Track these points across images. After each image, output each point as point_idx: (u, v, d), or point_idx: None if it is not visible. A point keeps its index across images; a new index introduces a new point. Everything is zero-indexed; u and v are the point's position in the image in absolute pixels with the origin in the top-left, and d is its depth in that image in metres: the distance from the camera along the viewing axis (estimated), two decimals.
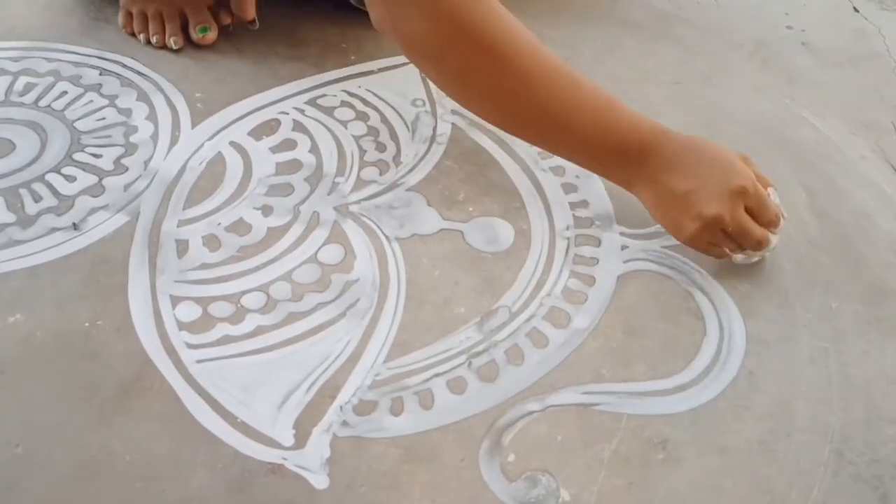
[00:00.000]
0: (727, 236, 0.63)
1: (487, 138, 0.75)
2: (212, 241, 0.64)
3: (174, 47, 0.82)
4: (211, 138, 0.73)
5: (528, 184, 0.71)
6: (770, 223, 0.63)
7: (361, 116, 0.76)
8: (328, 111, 0.77)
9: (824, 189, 0.75)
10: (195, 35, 0.82)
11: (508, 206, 0.69)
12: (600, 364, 0.58)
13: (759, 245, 0.63)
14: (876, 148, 0.81)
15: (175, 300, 0.59)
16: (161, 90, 0.77)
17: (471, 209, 0.68)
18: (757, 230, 0.62)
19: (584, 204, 0.69)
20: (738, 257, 0.64)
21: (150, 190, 0.67)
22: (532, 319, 0.60)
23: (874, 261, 0.68)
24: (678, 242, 0.65)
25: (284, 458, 0.51)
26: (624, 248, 0.66)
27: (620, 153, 0.63)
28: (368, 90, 0.79)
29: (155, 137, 0.72)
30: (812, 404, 0.57)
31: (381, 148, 0.73)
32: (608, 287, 0.63)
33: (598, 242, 0.66)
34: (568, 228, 0.67)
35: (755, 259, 0.65)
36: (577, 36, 0.92)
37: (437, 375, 0.56)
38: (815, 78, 0.91)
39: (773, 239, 0.64)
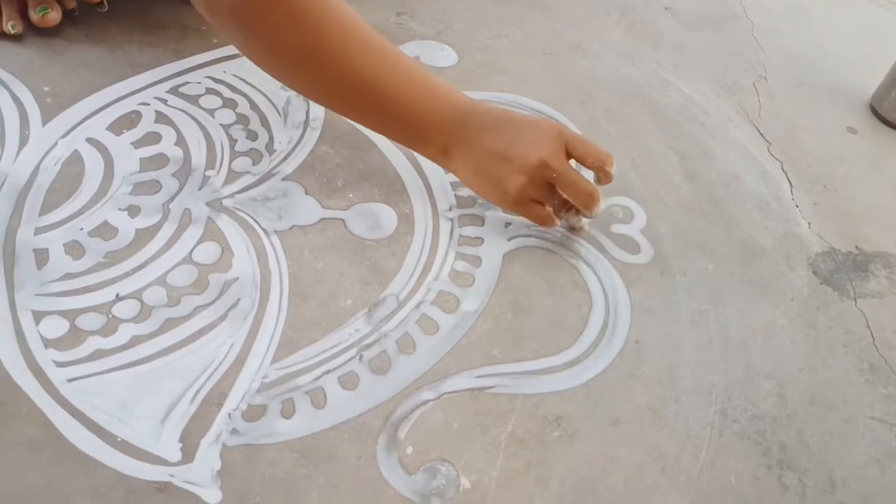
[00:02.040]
0: (553, 192, 0.63)
1: None
2: (75, 249, 0.59)
3: (12, 31, 0.74)
4: (65, 136, 0.67)
5: (408, 165, 0.70)
6: (597, 167, 0.62)
7: (229, 104, 0.73)
8: (193, 100, 0.72)
9: (694, 152, 0.77)
10: (35, 16, 0.75)
11: (389, 190, 0.67)
12: (491, 346, 0.58)
13: (590, 199, 0.62)
14: (740, 109, 0.84)
15: (38, 315, 0.55)
16: (4, 85, 0.71)
17: (351, 196, 0.66)
18: (586, 179, 0.62)
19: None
20: (570, 220, 0.65)
21: (1, 197, 0.62)
22: (421, 306, 0.59)
23: (744, 220, 0.70)
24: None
25: (172, 475, 0.48)
26: (508, 224, 0.66)
27: (438, 120, 0.62)
28: (235, 75, 0.76)
29: (1, 138, 0.66)
30: (695, 367, 0.59)
31: (252, 136, 0.70)
32: (495, 267, 0.63)
33: (482, 221, 0.66)
34: (451, 209, 0.66)
35: (581, 226, 0.66)
36: (448, 9, 0.91)
37: (327, 372, 0.54)
38: (679, 41, 0.93)
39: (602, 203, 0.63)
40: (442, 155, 0.64)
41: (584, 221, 0.66)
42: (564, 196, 0.63)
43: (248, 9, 0.59)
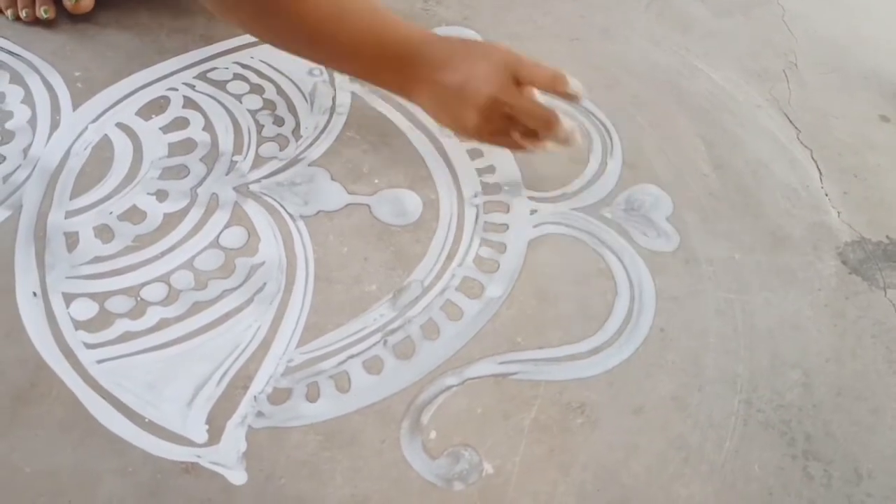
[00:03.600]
0: (512, 121, 0.62)
1: (389, 105, 0.73)
2: (104, 232, 0.60)
3: (45, 16, 0.75)
4: (95, 120, 0.68)
5: (434, 151, 0.70)
6: (551, 86, 0.62)
7: (256, 89, 0.73)
8: (220, 85, 0.73)
9: (722, 140, 0.76)
10: (69, 2, 0.76)
11: (415, 177, 0.67)
12: (515, 332, 0.58)
13: (549, 124, 0.61)
14: (769, 96, 0.83)
15: (68, 298, 0.56)
16: (36, 70, 0.72)
17: (376, 181, 0.67)
18: (540, 106, 0.62)
19: (490, 169, 0.69)
20: (547, 146, 0.63)
21: (32, 180, 0.63)
22: (445, 292, 0.59)
23: (772, 210, 0.70)
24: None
25: (198, 456, 0.49)
26: (533, 212, 0.66)
27: (394, 56, 0.62)
28: (262, 61, 0.76)
29: (33, 122, 0.67)
30: (720, 356, 0.58)
31: (279, 122, 0.70)
32: (519, 253, 0.63)
33: (508, 208, 0.66)
34: (476, 196, 0.66)
35: (564, 148, 0.63)
36: None
37: (352, 357, 0.55)
38: (709, 28, 0.92)
39: (566, 122, 0.61)
40: (404, 91, 0.65)
41: (560, 145, 0.63)
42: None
43: None
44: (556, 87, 0.61)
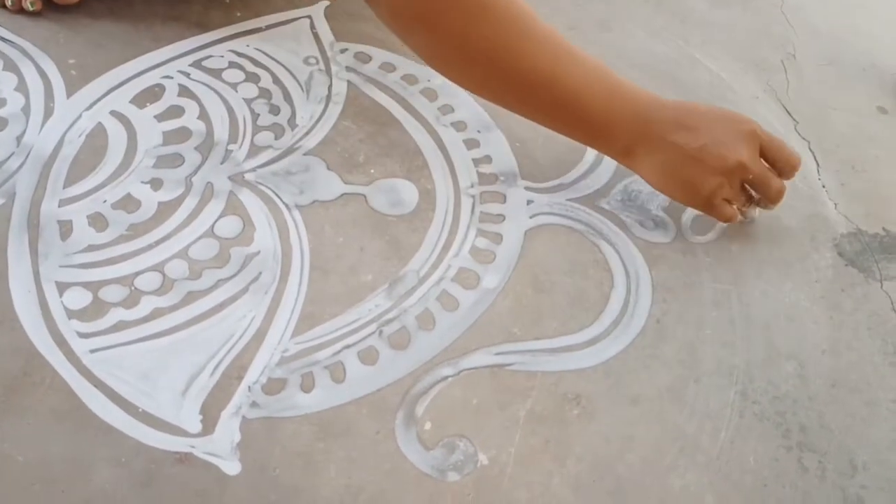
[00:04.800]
0: (743, 189, 0.63)
1: (385, 95, 0.73)
2: (98, 221, 0.60)
3: (31, 8, 0.74)
4: (89, 108, 0.68)
5: (430, 141, 0.69)
6: (786, 171, 0.63)
7: (252, 77, 0.72)
8: (215, 73, 0.72)
9: None
10: None
11: (411, 166, 0.67)
12: (511, 323, 0.57)
13: (779, 195, 0.62)
14: (767, 87, 0.83)
15: (62, 287, 0.56)
16: (29, 57, 0.71)
17: (372, 171, 0.66)
18: (776, 178, 0.62)
19: (487, 159, 0.68)
20: (752, 213, 0.65)
21: (26, 168, 0.62)
22: (441, 282, 0.59)
23: None
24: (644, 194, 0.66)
25: (192, 446, 0.49)
26: (529, 202, 0.66)
27: (622, 118, 0.61)
28: (257, 49, 0.75)
29: (26, 110, 0.67)
30: (717, 347, 0.58)
31: (274, 111, 0.70)
32: (516, 244, 0.62)
33: (504, 199, 0.66)
34: (472, 186, 0.66)
35: (755, 216, 0.66)
36: None
37: (347, 347, 0.55)
38: (708, 18, 0.91)
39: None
40: (625, 154, 0.63)
41: (757, 213, 0.66)
42: (751, 192, 0.64)
43: (436, 11, 0.59)
44: (793, 171, 0.63)
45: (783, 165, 0.62)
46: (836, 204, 0.70)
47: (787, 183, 0.63)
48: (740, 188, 0.63)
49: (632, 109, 0.61)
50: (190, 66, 0.73)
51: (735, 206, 0.63)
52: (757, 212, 0.66)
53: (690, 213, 0.66)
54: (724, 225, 0.65)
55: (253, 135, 0.67)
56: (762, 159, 0.62)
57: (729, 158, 0.60)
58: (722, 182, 0.61)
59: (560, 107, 0.62)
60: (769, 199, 0.63)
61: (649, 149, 0.62)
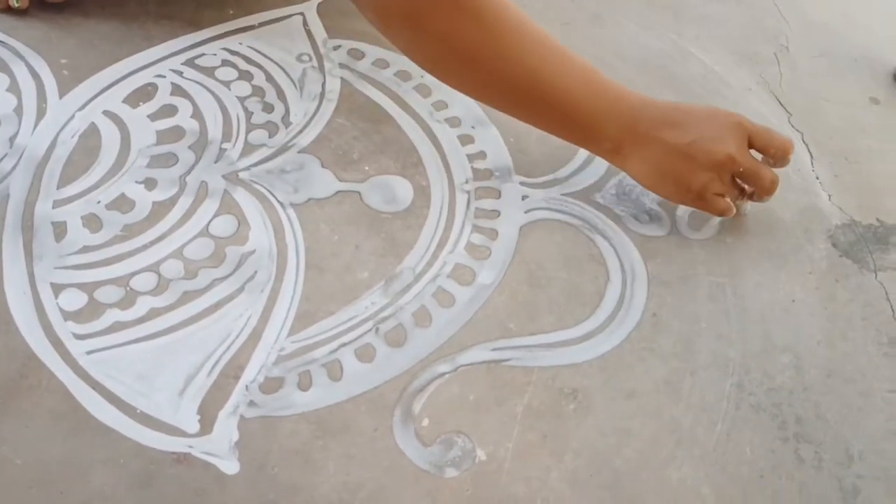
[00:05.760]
0: (734, 183, 0.63)
1: (379, 92, 0.72)
2: (92, 222, 0.60)
3: (16, 5, 0.73)
4: (82, 108, 0.67)
5: (424, 137, 0.69)
6: (779, 156, 0.63)
7: (245, 76, 0.72)
8: (208, 72, 0.72)
9: None
10: None
11: (405, 163, 0.67)
12: (508, 318, 0.58)
13: (772, 186, 0.62)
14: (760, 79, 0.83)
15: (57, 288, 0.56)
16: (21, 57, 0.71)
17: (367, 168, 0.66)
18: (768, 168, 0.62)
19: (482, 155, 0.68)
20: (745, 206, 0.65)
21: (19, 169, 0.62)
22: (437, 279, 0.59)
23: None
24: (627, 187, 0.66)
25: (190, 446, 0.49)
26: (524, 197, 0.66)
27: (611, 117, 0.61)
28: (250, 47, 0.75)
29: (19, 111, 0.66)
30: (712, 340, 0.58)
31: (268, 109, 0.70)
32: (511, 239, 0.62)
33: (499, 194, 0.66)
34: (467, 182, 0.66)
35: (747, 210, 0.66)
36: None
37: (344, 345, 0.55)
38: (700, 12, 0.91)
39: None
40: (614, 153, 0.64)
41: (749, 205, 0.66)
42: (743, 185, 0.64)
43: (423, 12, 0.59)
44: (786, 156, 0.62)
45: (775, 151, 0.62)
46: (829, 195, 0.70)
47: (780, 174, 0.63)
48: (731, 182, 0.63)
49: (619, 108, 0.61)
50: (183, 64, 0.72)
51: (728, 200, 0.63)
52: (749, 205, 0.66)
53: (685, 207, 0.66)
54: (719, 221, 0.65)
55: (247, 133, 0.67)
56: (754, 150, 0.63)
57: (718, 153, 0.60)
58: (712, 177, 0.61)
59: (548, 107, 0.62)
60: (762, 190, 0.63)
61: (638, 147, 0.62)
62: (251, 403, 0.51)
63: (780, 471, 0.52)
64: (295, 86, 0.72)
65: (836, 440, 0.54)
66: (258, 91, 0.71)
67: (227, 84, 0.71)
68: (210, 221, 0.61)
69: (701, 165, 0.61)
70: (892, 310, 0.62)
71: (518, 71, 0.60)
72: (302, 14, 0.79)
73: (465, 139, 0.69)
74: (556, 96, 0.61)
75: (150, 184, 0.62)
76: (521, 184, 0.66)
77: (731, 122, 0.61)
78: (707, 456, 0.52)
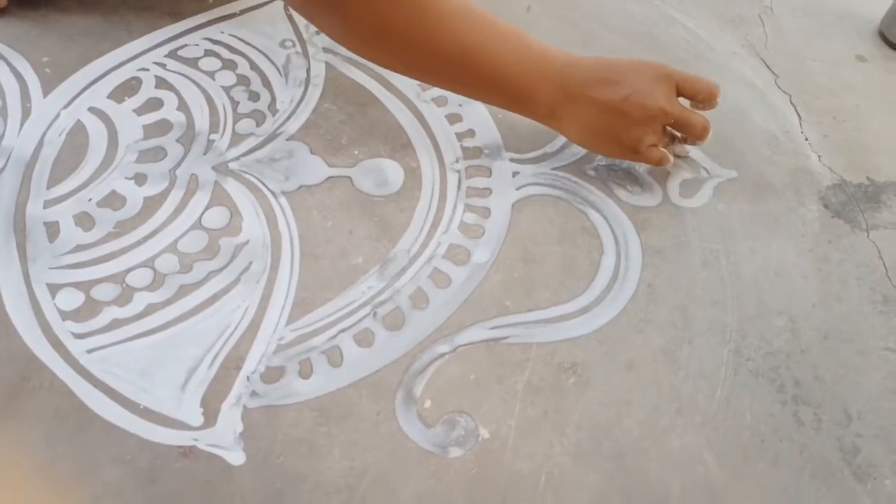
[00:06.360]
0: (666, 132, 0.64)
1: (364, 74, 0.72)
2: (84, 220, 0.59)
3: None
4: (67, 106, 0.67)
5: (412, 118, 0.69)
6: (707, 101, 0.63)
7: (229, 65, 0.72)
8: (192, 63, 0.72)
9: None
10: None
11: (395, 145, 0.67)
12: (504, 296, 0.58)
13: (704, 131, 0.63)
14: (745, 42, 0.82)
15: (53, 288, 0.56)
16: (2, 58, 0.70)
17: (356, 152, 0.66)
18: (698, 115, 0.63)
19: (470, 133, 0.68)
20: (677, 151, 0.66)
21: (7, 171, 0.62)
22: (432, 260, 0.59)
23: (752, 157, 0.70)
24: (590, 159, 0.66)
25: (195, 440, 0.49)
26: (515, 174, 0.66)
27: (541, 80, 0.62)
28: (232, 35, 0.75)
29: (3, 112, 0.66)
30: (708, 307, 0.59)
31: (254, 97, 0.69)
32: (504, 217, 0.63)
33: (490, 172, 0.66)
34: (457, 161, 0.66)
35: (687, 153, 0.68)
36: None
37: (342, 331, 0.55)
38: None
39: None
40: (550, 116, 0.64)
41: (688, 147, 0.68)
42: (674, 133, 0.65)
43: None
44: (713, 100, 0.63)
45: (704, 97, 0.63)
46: (819, 156, 0.70)
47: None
48: (663, 132, 0.63)
49: (550, 71, 0.62)
50: (165, 56, 0.72)
51: (662, 149, 0.63)
52: (688, 147, 0.67)
53: (677, 176, 0.67)
54: (712, 188, 0.66)
55: (234, 123, 0.67)
56: (683, 98, 0.63)
57: (650, 107, 0.61)
58: (646, 130, 0.62)
59: (480, 78, 0.62)
60: (694, 136, 0.64)
61: (571, 108, 0.62)
62: (253, 394, 0.51)
63: (780, 434, 0.52)
64: (280, 72, 0.72)
65: (834, 401, 0.54)
66: (243, 80, 0.71)
67: (211, 74, 0.71)
68: (202, 214, 0.60)
69: (635, 120, 0.61)
70: (886, 268, 0.62)
71: (446, 45, 0.60)
72: None
73: (453, 118, 0.69)
74: (486, 66, 0.61)
75: (140, 179, 0.62)
76: (512, 160, 0.66)
77: (660, 73, 0.62)
78: (708, 423, 0.52)
